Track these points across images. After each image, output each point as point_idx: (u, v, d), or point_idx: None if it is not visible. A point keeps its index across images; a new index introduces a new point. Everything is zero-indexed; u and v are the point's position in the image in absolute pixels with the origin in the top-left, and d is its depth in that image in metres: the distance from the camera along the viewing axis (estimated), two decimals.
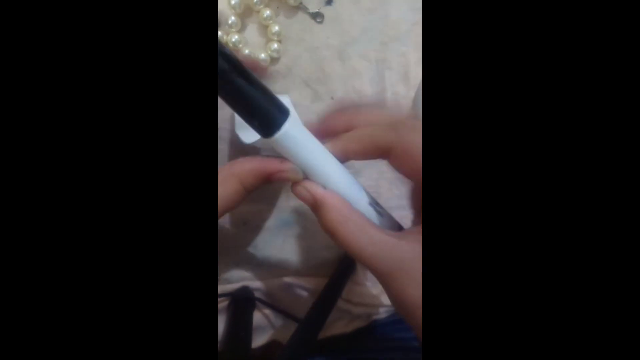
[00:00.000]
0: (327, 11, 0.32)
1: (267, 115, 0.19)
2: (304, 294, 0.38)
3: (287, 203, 0.36)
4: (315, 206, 0.21)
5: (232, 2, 0.31)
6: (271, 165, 0.22)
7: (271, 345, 0.39)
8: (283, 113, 0.20)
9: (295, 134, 0.20)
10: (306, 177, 0.22)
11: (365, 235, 0.20)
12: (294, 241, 0.37)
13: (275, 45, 0.32)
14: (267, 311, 0.38)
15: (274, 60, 0.33)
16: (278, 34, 0.32)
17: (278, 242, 0.37)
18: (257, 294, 0.37)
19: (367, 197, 0.23)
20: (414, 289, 0.20)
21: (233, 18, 0.31)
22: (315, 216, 0.22)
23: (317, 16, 0.32)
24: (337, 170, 0.22)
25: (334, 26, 0.33)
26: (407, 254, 0.20)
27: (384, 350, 0.39)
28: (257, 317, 0.37)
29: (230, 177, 0.22)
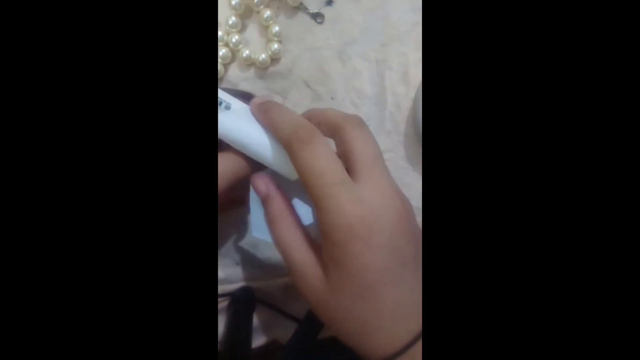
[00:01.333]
0: (327, 12, 0.33)
1: None
2: None
3: None
4: (266, 198, 0.25)
5: (233, 3, 0.31)
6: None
7: (271, 346, 0.39)
8: None
9: (224, 121, 0.24)
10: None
11: (290, 234, 0.24)
12: None
13: (276, 46, 0.32)
14: (267, 311, 0.38)
15: (274, 60, 0.33)
16: (278, 34, 0.32)
17: None
18: (257, 294, 0.37)
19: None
20: (316, 283, 0.23)
21: (233, 18, 0.31)
22: None
23: (317, 17, 0.32)
24: (270, 146, 0.25)
25: (334, 26, 0.33)
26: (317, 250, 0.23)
27: None
28: (257, 317, 0.37)
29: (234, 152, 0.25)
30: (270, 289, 0.37)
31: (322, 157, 0.21)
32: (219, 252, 0.36)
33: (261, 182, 0.25)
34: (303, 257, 0.23)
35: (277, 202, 0.25)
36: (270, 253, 0.37)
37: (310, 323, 0.35)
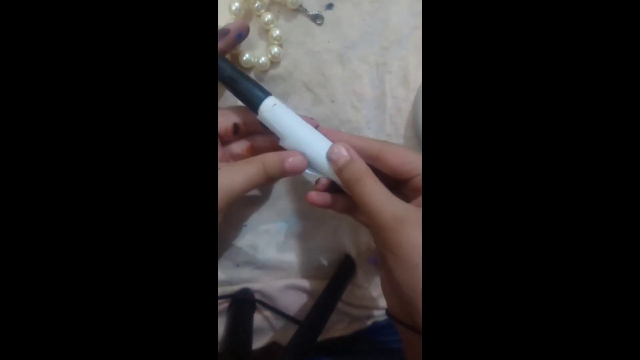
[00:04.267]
0: (327, 15, 0.33)
1: (250, 95, 0.27)
2: (304, 296, 0.38)
3: (288, 205, 0.36)
4: (348, 163, 0.26)
5: (233, 8, 0.31)
6: (288, 153, 0.27)
7: (271, 348, 0.39)
8: (264, 93, 0.27)
9: (274, 109, 0.27)
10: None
11: (380, 188, 0.25)
12: (295, 243, 0.37)
13: (276, 49, 0.32)
14: (267, 313, 0.38)
15: (274, 63, 0.33)
16: (279, 38, 0.32)
17: (279, 244, 0.37)
18: (257, 296, 0.37)
19: None
20: (413, 239, 0.23)
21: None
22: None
23: (317, 18, 0.33)
24: (315, 137, 0.27)
25: (334, 30, 0.33)
26: (412, 208, 0.25)
27: (382, 352, 0.39)
28: (257, 319, 0.37)
29: (257, 161, 0.27)
30: (270, 291, 0.37)
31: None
32: (220, 254, 0.36)
33: (342, 149, 0.27)
34: (396, 204, 0.25)
35: (360, 162, 0.26)
36: (270, 254, 0.37)
37: (311, 325, 0.35)
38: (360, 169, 0.26)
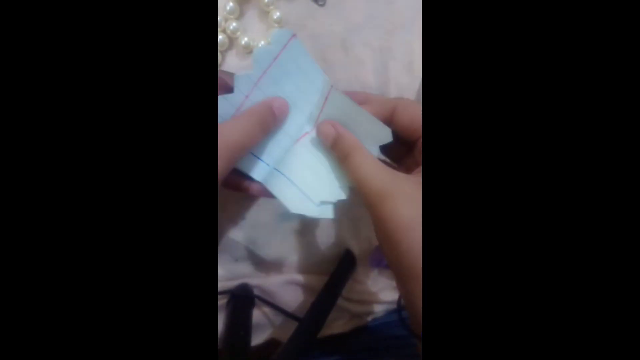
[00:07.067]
0: None
1: None
2: (304, 291, 0.38)
3: None
4: (336, 139, 0.26)
5: None
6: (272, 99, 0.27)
7: (270, 344, 0.38)
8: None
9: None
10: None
11: (368, 161, 0.25)
12: (294, 238, 0.36)
13: None
14: (267, 309, 0.37)
15: None
16: (279, 20, 0.31)
17: (277, 239, 0.36)
18: (256, 292, 0.36)
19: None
20: (408, 209, 0.22)
21: (231, 4, 0.30)
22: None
23: None
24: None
25: (337, 12, 0.32)
26: (404, 179, 0.24)
27: (381, 349, 0.39)
28: (257, 315, 0.37)
29: (249, 114, 0.26)
30: (269, 287, 0.36)
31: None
32: (219, 249, 0.35)
33: (329, 125, 0.27)
34: (385, 177, 0.24)
35: (350, 137, 0.26)
36: (269, 249, 0.36)
37: (311, 321, 0.34)
38: (349, 144, 0.26)
